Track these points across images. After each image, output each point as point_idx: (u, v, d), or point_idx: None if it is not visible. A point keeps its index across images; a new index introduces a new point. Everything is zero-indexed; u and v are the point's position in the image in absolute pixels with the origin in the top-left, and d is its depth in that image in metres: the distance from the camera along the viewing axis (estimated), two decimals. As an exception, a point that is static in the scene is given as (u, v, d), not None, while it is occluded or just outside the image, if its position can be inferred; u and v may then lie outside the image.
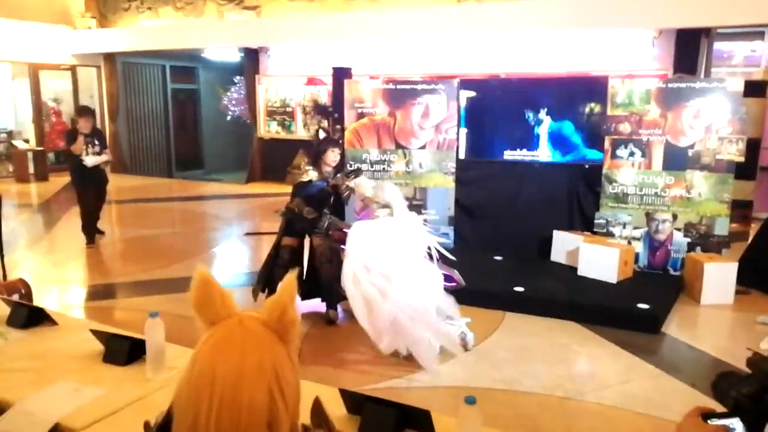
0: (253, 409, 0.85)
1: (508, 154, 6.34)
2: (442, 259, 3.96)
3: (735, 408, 1.16)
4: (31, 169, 12.25)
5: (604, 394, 3.49)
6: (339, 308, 4.61)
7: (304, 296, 4.58)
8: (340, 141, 4.84)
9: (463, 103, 6.38)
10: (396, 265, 3.68)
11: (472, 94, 6.38)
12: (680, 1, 7.89)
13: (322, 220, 4.57)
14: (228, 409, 0.84)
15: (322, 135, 4.68)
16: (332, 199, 4.71)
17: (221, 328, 0.91)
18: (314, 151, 4.69)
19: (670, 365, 3.88)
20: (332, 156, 4.60)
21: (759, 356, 1.22)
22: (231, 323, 0.91)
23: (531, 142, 6.20)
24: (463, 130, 6.43)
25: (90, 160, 6.70)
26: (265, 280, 4.64)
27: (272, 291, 4.50)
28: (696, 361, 4.03)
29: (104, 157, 6.91)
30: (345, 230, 4.14)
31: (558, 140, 6.11)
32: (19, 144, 12.42)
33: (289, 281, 0.96)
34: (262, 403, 0.86)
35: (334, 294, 4.45)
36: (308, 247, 4.78)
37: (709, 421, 1.15)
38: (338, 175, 4.64)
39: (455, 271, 4.01)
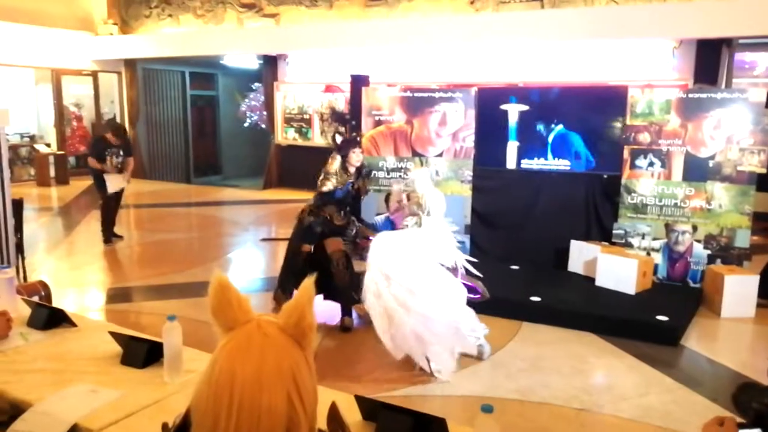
0: (272, 413, 0.86)
1: (525, 163, 6.30)
2: (468, 271, 3.92)
3: (757, 418, 1.14)
4: (52, 173, 12.44)
5: (621, 406, 3.44)
6: (354, 315, 4.61)
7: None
8: (359, 139, 4.90)
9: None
10: (419, 277, 3.62)
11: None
12: (701, 11, 7.83)
13: (350, 227, 4.58)
14: (247, 414, 0.85)
15: (339, 139, 4.71)
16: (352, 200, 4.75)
17: (239, 333, 0.91)
18: (337, 151, 4.73)
19: (689, 378, 3.82)
20: (355, 157, 4.66)
21: None
22: (249, 328, 0.91)
23: (541, 151, 6.16)
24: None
25: (111, 186, 6.99)
26: (284, 285, 4.70)
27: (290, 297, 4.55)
28: (715, 374, 3.96)
29: (123, 183, 7.14)
30: (370, 238, 4.12)
31: (564, 149, 6.06)
32: (41, 148, 12.63)
33: (306, 286, 0.96)
34: (281, 408, 0.86)
35: (349, 300, 4.45)
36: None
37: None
38: (360, 178, 4.70)
39: (479, 282, 3.99)
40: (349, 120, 7.42)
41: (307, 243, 4.69)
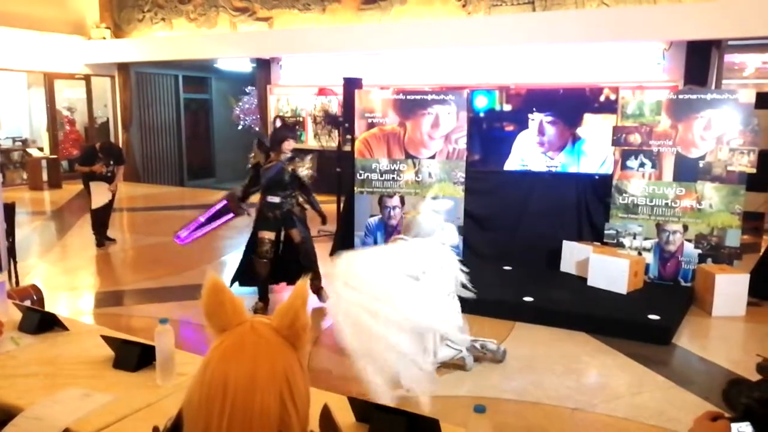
0: (264, 415, 0.86)
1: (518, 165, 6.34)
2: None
3: (746, 413, 1.16)
4: (45, 177, 12.40)
5: (614, 405, 3.46)
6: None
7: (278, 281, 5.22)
8: (298, 130, 5.24)
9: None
10: (385, 286, 3.27)
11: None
12: (691, 13, 7.89)
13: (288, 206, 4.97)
14: (240, 415, 0.85)
15: (278, 123, 5.04)
16: (295, 182, 4.99)
17: (233, 335, 0.91)
18: (272, 138, 5.16)
19: (681, 377, 3.84)
20: (287, 145, 4.93)
21: (766, 362, 1.22)
22: (242, 329, 0.92)
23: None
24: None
25: (96, 200, 7.09)
26: (241, 273, 5.10)
27: (251, 282, 5.06)
28: (707, 373, 3.99)
29: (108, 197, 7.19)
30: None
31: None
32: (34, 152, 12.57)
33: (300, 287, 0.96)
34: (273, 410, 0.86)
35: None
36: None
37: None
38: (295, 159, 4.98)
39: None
40: (342, 122, 7.47)
41: (261, 230, 4.98)
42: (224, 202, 5.26)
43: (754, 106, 5.29)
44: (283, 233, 5.12)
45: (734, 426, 1.15)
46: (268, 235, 4.97)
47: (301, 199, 5.08)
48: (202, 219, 5.40)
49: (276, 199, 4.92)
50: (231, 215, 5.32)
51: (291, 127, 5.25)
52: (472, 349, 3.91)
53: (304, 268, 4.93)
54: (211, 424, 0.85)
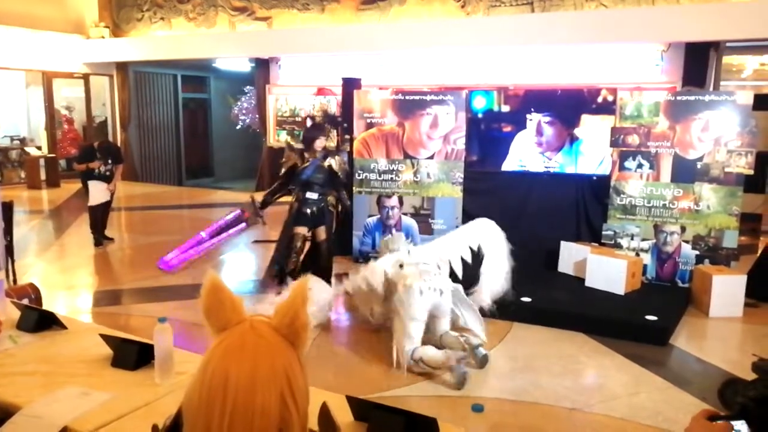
0: (265, 413, 0.86)
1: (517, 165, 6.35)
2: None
3: (741, 411, 1.17)
4: (43, 176, 12.38)
5: (612, 405, 3.47)
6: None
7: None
8: (327, 127, 5.51)
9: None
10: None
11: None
12: (689, 15, 7.91)
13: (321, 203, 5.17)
14: (241, 414, 0.85)
15: (309, 123, 5.19)
16: (329, 179, 5.19)
17: (233, 334, 0.91)
18: (304, 138, 5.35)
19: (678, 377, 3.85)
20: (318, 143, 5.15)
21: (763, 361, 1.23)
22: (242, 328, 0.92)
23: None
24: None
25: (94, 198, 7.06)
26: (280, 267, 5.12)
27: (284, 277, 5.09)
28: (704, 373, 4.00)
29: (107, 196, 7.17)
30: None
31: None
32: (32, 151, 12.56)
33: (300, 286, 0.96)
34: (274, 408, 0.86)
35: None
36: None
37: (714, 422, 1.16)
38: (328, 156, 5.16)
39: None
40: (341, 122, 7.47)
41: (298, 226, 5.11)
42: (237, 212, 5.33)
43: (751, 107, 5.31)
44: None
45: (731, 423, 1.16)
46: (303, 231, 5.14)
47: (330, 199, 5.27)
48: (203, 234, 5.43)
49: (314, 196, 5.12)
50: (241, 226, 5.40)
51: (320, 126, 5.44)
52: (455, 341, 3.91)
53: (320, 266, 5.03)
54: (212, 423, 0.85)
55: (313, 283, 4.56)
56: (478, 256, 4.81)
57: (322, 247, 5.19)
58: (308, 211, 5.12)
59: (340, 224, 6.72)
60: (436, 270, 4.05)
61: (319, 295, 4.52)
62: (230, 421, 0.84)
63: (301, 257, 5.18)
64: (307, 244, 5.28)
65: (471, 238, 4.90)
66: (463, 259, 4.69)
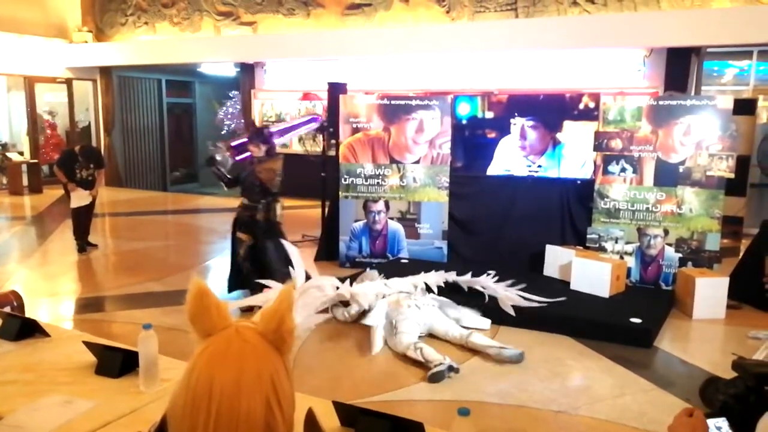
0: (250, 419, 0.85)
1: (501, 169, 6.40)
2: None
3: (722, 409, 1.19)
4: (25, 182, 12.24)
5: (597, 407, 3.49)
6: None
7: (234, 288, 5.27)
8: (263, 133, 5.42)
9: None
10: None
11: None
12: (671, 21, 8.02)
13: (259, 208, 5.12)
14: (226, 420, 0.84)
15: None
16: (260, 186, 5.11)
17: (218, 339, 0.91)
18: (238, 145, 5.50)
19: (662, 379, 3.89)
20: (252, 148, 5.17)
21: (743, 359, 1.26)
22: (228, 334, 0.91)
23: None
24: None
25: (75, 201, 6.95)
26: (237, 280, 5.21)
27: (242, 286, 5.16)
28: (688, 375, 4.04)
29: (88, 199, 7.09)
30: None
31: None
32: (14, 156, 12.40)
33: (286, 291, 0.96)
34: (259, 414, 0.86)
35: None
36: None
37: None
38: (262, 162, 5.11)
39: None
40: (326, 127, 7.47)
41: (238, 231, 5.18)
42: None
43: (732, 112, 5.39)
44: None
45: (711, 422, 1.18)
46: (243, 237, 5.14)
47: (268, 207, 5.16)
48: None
49: (246, 202, 5.16)
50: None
51: (258, 131, 5.44)
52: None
53: (265, 273, 4.93)
54: (197, 429, 0.84)
55: (308, 288, 4.62)
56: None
57: (263, 253, 5.09)
58: (244, 216, 5.15)
59: (324, 232, 6.75)
60: (413, 290, 4.76)
61: (312, 302, 4.55)
62: (215, 427, 0.84)
63: (246, 262, 5.16)
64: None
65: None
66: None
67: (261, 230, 5.11)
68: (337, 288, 4.72)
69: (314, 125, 5.73)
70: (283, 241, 5.01)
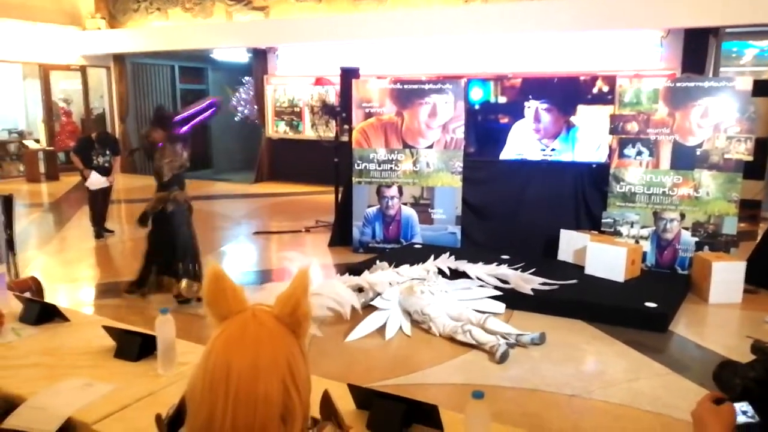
0: (268, 402, 0.87)
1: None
2: None
3: (743, 393, 1.18)
4: (42, 169, 12.37)
5: (611, 392, 3.49)
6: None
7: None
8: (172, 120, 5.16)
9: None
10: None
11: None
12: (688, 1, 7.86)
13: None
14: (244, 403, 0.85)
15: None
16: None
17: (234, 323, 0.92)
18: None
19: (678, 364, 3.87)
20: (154, 133, 4.96)
21: (760, 342, 1.24)
22: (244, 317, 0.92)
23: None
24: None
25: (92, 183, 6.99)
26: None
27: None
28: (704, 359, 4.02)
29: (105, 183, 7.12)
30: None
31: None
32: (30, 144, 12.53)
33: (301, 274, 0.97)
34: (276, 396, 0.87)
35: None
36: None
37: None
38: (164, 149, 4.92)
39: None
40: (339, 112, 7.45)
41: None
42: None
43: (751, 93, 5.29)
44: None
45: (735, 406, 1.17)
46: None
47: (175, 195, 4.89)
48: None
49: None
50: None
51: (158, 117, 5.21)
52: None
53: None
54: (216, 412, 0.85)
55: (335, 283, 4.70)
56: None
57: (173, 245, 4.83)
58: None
59: (337, 217, 6.70)
60: (427, 276, 4.85)
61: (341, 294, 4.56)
62: (233, 410, 0.85)
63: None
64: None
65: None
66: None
67: (162, 219, 4.85)
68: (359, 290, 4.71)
69: (212, 111, 5.42)
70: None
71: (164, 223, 4.85)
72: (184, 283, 4.79)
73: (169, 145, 4.88)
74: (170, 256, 4.84)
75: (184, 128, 5.20)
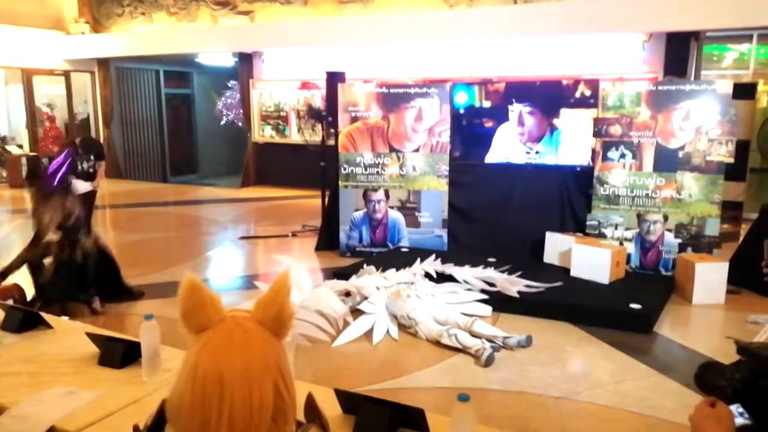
0: (263, 406, 0.87)
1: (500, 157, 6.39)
2: None
3: (735, 396, 1.19)
4: (25, 175, 12.22)
5: (597, 393, 3.51)
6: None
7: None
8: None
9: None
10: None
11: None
12: (670, 5, 7.97)
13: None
14: (240, 410, 0.85)
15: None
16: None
17: (218, 332, 0.91)
18: None
19: (662, 365, 3.91)
20: None
21: (746, 343, 1.25)
22: (227, 326, 0.92)
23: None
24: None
25: (80, 187, 6.92)
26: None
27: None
28: (688, 360, 4.06)
29: (89, 187, 7.05)
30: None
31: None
32: (13, 149, 12.39)
33: (283, 278, 0.97)
34: (270, 400, 0.88)
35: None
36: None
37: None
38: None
39: None
40: (325, 116, 7.45)
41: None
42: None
43: (731, 96, 5.37)
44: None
45: (732, 408, 1.19)
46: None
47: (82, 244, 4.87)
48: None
49: None
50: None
51: (32, 174, 5.17)
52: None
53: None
54: (209, 423, 0.85)
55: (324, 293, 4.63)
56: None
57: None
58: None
59: (324, 221, 6.69)
60: (414, 279, 4.87)
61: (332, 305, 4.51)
62: (229, 418, 0.85)
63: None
64: None
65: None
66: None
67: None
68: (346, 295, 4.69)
69: (69, 160, 5.51)
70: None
71: (71, 268, 4.72)
72: (96, 302, 4.75)
73: (43, 203, 4.81)
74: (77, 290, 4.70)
75: (55, 181, 5.20)
